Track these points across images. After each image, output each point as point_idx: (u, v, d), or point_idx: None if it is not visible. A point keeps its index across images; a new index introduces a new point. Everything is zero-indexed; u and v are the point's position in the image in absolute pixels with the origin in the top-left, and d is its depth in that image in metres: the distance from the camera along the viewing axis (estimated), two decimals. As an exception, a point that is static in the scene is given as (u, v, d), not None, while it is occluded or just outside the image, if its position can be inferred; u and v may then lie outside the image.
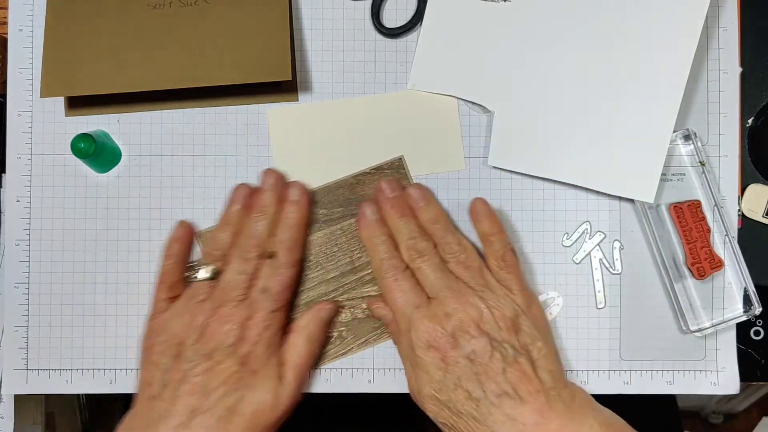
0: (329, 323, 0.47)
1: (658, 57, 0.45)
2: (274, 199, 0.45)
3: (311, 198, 0.47)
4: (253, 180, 0.48)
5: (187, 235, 0.47)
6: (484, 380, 0.40)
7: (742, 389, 0.49)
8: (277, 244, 0.45)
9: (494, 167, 0.48)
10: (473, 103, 0.48)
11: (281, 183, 0.46)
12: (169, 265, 0.46)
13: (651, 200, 0.46)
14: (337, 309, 0.47)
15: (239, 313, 0.43)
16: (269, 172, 0.46)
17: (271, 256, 0.44)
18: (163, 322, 0.44)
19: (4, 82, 0.49)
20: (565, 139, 0.46)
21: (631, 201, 0.48)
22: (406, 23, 0.48)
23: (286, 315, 0.46)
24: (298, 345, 0.45)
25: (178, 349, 0.42)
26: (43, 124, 0.48)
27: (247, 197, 0.46)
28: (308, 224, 0.47)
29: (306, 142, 0.48)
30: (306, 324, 0.46)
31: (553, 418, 0.40)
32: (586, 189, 0.48)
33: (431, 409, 0.43)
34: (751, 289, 0.47)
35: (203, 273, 0.44)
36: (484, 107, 0.48)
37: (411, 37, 0.49)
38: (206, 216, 0.48)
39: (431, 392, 0.42)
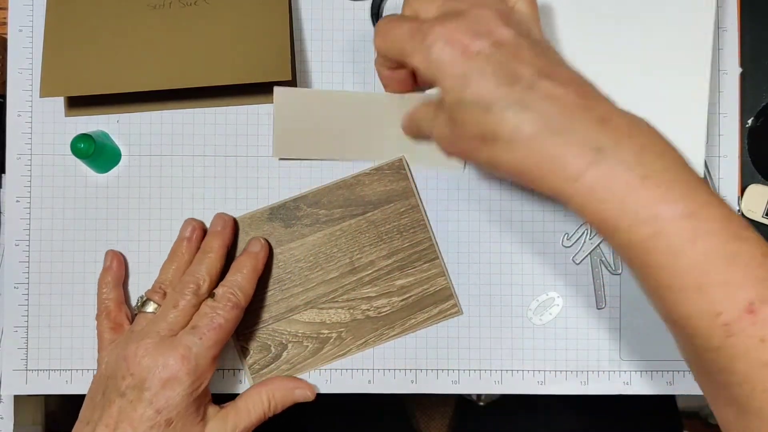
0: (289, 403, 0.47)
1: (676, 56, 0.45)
2: (220, 243, 0.46)
3: (268, 254, 0.47)
4: (253, 179, 0.48)
5: (117, 265, 0.47)
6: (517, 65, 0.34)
7: (742, 389, 0.49)
8: (221, 285, 0.44)
9: None
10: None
11: (229, 229, 0.47)
12: (105, 293, 0.46)
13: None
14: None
15: (158, 349, 0.41)
16: (219, 216, 0.47)
17: (212, 296, 0.44)
18: (104, 354, 0.44)
19: (4, 82, 0.49)
20: None
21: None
22: (406, 23, 0.48)
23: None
24: (245, 409, 0.45)
25: (106, 384, 0.42)
26: (43, 124, 0.48)
27: (195, 233, 0.46)
28: (259, 275, 0.46)
29: (310, 126, 0.47)
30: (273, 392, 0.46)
31: (600, 99, 0.35)
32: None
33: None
34: (751, 290, 0.47)
35: (148, 306, 0.44)
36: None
37: (411, 37, 0.49)
38: (206, 216, 0.48)
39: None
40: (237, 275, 0.45)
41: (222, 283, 0.44)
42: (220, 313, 0.43)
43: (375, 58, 0.42)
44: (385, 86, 0.44)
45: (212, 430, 0.43)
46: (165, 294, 0.44)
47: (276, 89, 0.45)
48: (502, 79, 0.34)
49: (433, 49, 0.35)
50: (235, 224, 0.48)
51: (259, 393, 0.45)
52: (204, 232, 0.47)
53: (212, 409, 0.44)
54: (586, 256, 0.48)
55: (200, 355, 0.41)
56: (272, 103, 0.48)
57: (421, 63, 0.36)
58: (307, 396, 0.46)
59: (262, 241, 0.47)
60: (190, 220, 0.47)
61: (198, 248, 0.46)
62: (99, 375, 0.43)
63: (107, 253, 0.47)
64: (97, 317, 0.46)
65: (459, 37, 0.34)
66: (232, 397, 0.47)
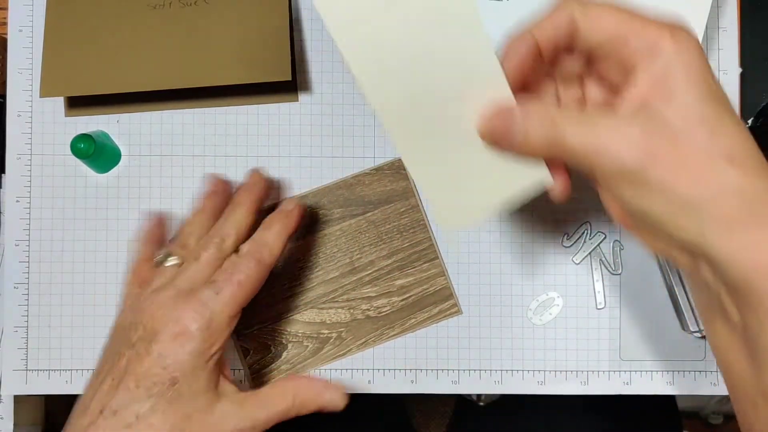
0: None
1: None
2: (252, 198, 0.43)
3: (304, 212, 0.44)
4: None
5: (155, 224, 0.45)
6: None
7: (742, 389, 0.49)
8: (247, 242, 0.41)
9: None
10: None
11: (263, 184, 0.44)
12: (136, 249, 0.43)
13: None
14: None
15: (174, 302, 0.38)
16: (255, 171, 0.45)
17: (237, 252, 0.41)
18: (123, 307, 0.41)
19: (4, 83, 0.49)
20: None
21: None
22: (406, 23, 0.48)
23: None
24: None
25: (120, 336, 0.39)
26: (43, 124, 0.48)
27: (222, 186, 0.44)
28: (291, 236, 0.43)
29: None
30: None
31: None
32: (587, 187, 0.48)
33: None
34: (751, 290, 0.47)
35: (169, 260, 0.41)
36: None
37: (411, 37, 0.49)
38: (206, 216, 0.48)
39: None
40: (266, 232, 0.41)
41: (249, 239, 0.41)
42: (242, 269, 0.39)
43: None
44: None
45: (225, 409, 0.38)
46: (187, 248, 0.42)
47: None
48: None
49: None
50: (270, 183, 0.45)
51: (284, 387, 0.40)
52: (230, 189, 0.45)
53: (229, 387, 0.39)
54: (586, 256, 0.48)
55: (215, 311, 0.37)
56: (272, 103, 0.48)
57: None
58: (336, 403, 0.41)
59: (297, 200, 0.44)
60: (216, 175, 0.45)
61: (225, 203, 0.43)
62: (115, 327, 0.40)
63: (151, 215, 0.45)
64: (127, 273, 0.43)
65: None
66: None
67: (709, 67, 0.29)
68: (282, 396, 0.40)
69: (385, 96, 0.32)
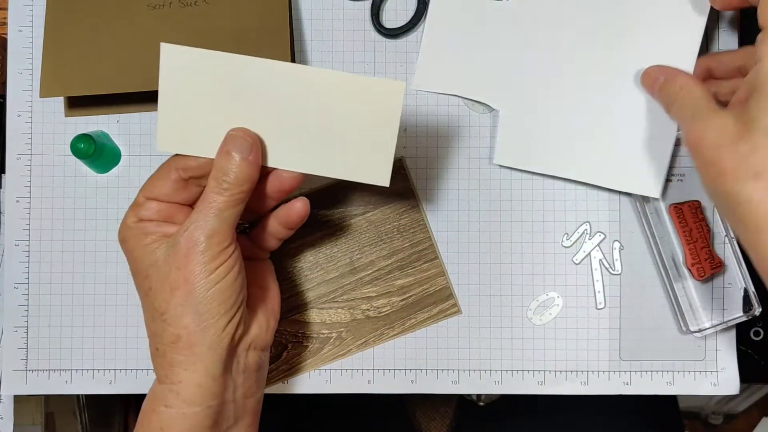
0: None
1: (661, 56, 0.45)
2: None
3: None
4: (253, 180, 0.48)
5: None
6: None
7: (742, 390, 0.49)
8: None
9: (500, 165, 0.48)
10: (477, 102, 0.48)
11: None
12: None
13: (657, 195, 0.46)
14: None
15: None
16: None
17: None
18: None
19: (4, 83, 0.49)
20: (570, 136, 0.46)
21: (632, 201, 0.48)
22: (406, 24, 0.48)
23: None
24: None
25: None
26: (43, 124, 0.48)
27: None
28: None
29: (206, 105, 0.36)
30: None
31: None
32: (587, 187, 0.48)
33: None
34: (751, 290, 0.47)
35: None
36: (486, 107, 0.48)
37: (411, 37, 0.49)
38: (206, 216, 0.48)
39: None
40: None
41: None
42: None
43: None
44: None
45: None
46: None
47: (163, 47, 0.35)
48: None
49: None
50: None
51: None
52: None
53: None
54: (586, 256, 0.48)
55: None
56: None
57: None
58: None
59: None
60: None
61: None
62: None
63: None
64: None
65: None
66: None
67: None
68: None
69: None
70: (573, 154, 0.46)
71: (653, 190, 0.46)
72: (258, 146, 0.38)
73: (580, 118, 0.46)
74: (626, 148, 0.46)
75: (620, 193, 0.48)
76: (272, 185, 0.39)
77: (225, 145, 0.37)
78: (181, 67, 0.35)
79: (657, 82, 0.42)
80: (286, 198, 0.41)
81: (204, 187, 0.38)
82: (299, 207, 0.41)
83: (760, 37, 0.35)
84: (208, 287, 0.36)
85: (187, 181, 0.39)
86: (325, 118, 0.37)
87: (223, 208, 0.37)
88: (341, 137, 0.37)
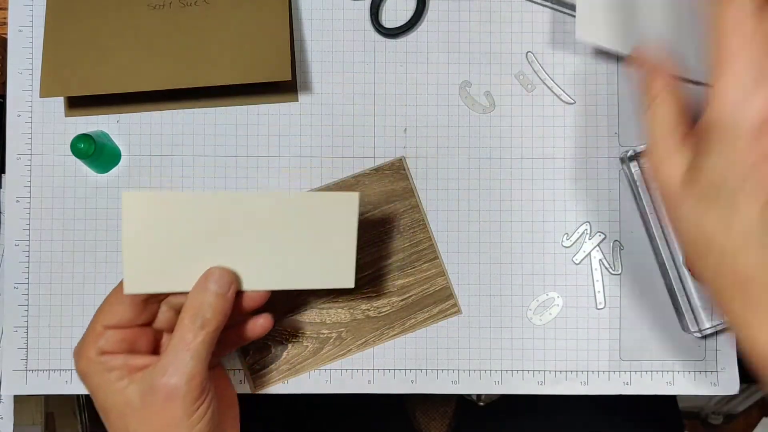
0: None
1: None
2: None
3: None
4: (253, 179, 0.48)
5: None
6: None
7: (742, 390, 0.49)
8: None
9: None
10: (477, 102, 0.48)
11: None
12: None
13: None
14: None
15: None
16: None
17: None
18: None
19: (4, 83, 0.49)
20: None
21: (632, 201, 0.48)
22: (405, 23, 0.48)
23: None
24: None
25: None
26: (43, 124, 0.48)
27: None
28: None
29: (169, 244, 0.37)
30: None
31: None
32: (587, 186, 0.48)
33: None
34: (751, 290, 0.47)
35: None
36: (485, 107, 0.48)
37: (410, 37, 0.49)
38: (206, 216, 0.48)
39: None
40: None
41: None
42: None
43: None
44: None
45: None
46: None
47: (124, 195, 0.35)
48: None
49: None
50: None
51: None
52: None
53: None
54: (586, 256, 0.48)
55: None
56: (272, 103, 0.48)
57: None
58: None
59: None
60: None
61: None
62: None
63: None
64: None
65: None
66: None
67: None
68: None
69: None
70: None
71: None
72: (236, 283, 0.38)
73: None
74: None
75: (620, 192, 0.48)
76: (240, 305, 0.39)
77: (204, 282, 0.37)
78: (142, 211, 0.36)
79: (641, 69, 0.39)
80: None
81: (164, 306, 0.38)
82: (263, 323, 0.42)
83: (712, 75, 0.34)
84: (190, 428, 0.36)
85: (146, 301, 0.38)
86: (288, 235, 0.38)
87: (199, 347, 0.36)
88: (305, 251, 0.39)
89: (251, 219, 0.37)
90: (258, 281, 0.39)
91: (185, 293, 0.38)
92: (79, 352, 0.38)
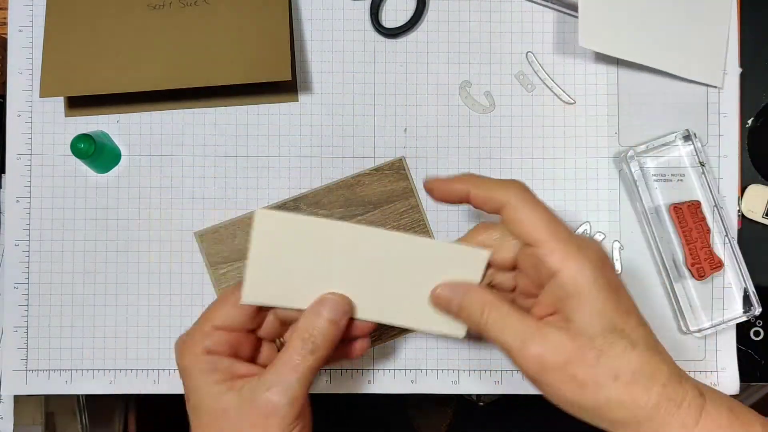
0: None
1: None
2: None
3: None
4: (253, 179, 0.48)
5: None
6: None
7: (742, 390, 0.49)
8: None
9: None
10: (477, 102, 0.48)
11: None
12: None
13: (719, 84, 0.48)
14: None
15: None
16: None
17: None
18: None
19: (4, 83, 0.49)
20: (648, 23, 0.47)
21: (632, 201, 0.48)
22: (405, 23, 0.48)
23: None
24: None
25: None
26: (43, 124, 0.48)
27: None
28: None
29: (295, 266, 0.38)
30: None
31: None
32: (587, 186, 0.48)
33: None
34: (751, 290, 0.47)
35: None
36: (485, 107, 0.48)
37: (410, 37, 0.49)
38: (206, 216, 0.48)
39: None
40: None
41: None
42: None
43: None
44: (430, 190, 0.39)
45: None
46: None
47: (258, 212, 0.36)
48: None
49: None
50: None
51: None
52: None
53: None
54: (586, 256, 0.48)
55: None
56: (272, 103, 0.48)
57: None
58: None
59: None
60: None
61: None
62: None
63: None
64: None
65: None
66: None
67: (609, 281, 0.35)
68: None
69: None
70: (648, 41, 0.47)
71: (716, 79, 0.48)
72: (349, 312, 0.38)
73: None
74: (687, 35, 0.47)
75: (620, 192, 0.48)
76: (348, 331, 0.39)
77: (318, 307, 0.37)
78: (271, 229, 0.36)
79: (453, 303, 0.38)
80: None
81: (271, 315, 0.38)
82: (361, 346, 0.41)
83: (539, 252, 0.35)
84: None
85: (259, 308, 0.38)
86: (408, 275, 0.38)
87: (306, 372, 0.36)
88: (422, 293, 0.38)
89: (375, 253, 0.37)
90: (370, 312, 0.39)
91: (298, 310, 0.38)
92: (184, 347, 0.37)
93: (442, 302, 0.38)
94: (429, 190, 0.39)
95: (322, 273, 0.38)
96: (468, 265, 0.38)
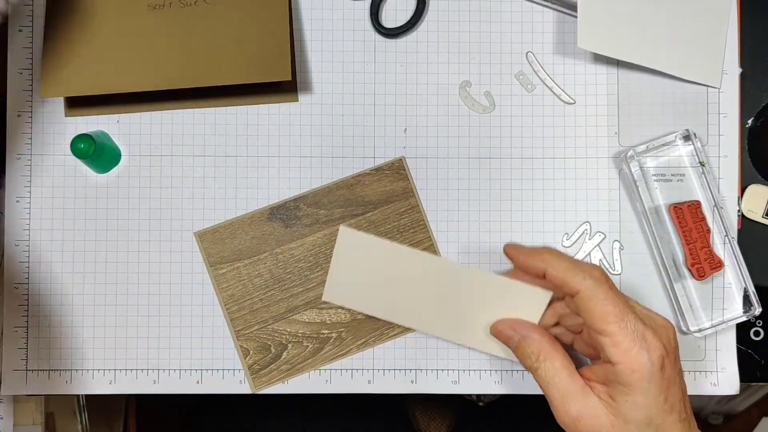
0: None
1: None
2: None
3: None
4: (253, 179, 0.48)
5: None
6: None
7: (742, 390, 0.49)
8: None
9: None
10: (477, 102, 0.48)
11: None
12: None
13: (717, 85, 0.48)
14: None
15: None
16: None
17: None
18: None
19: (4, 83, 0.49)
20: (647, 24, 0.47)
21: (632, 201, 0.48)
22: (405, 23, 0.48)
23: None
24: None
25: None
26: (43, 124, 0.48)
27: None
28: None
29: (368, 280, 0.44)
30: None
31: None
32: (587, 186, 0.48)
33: None
34: (751, 290, 0.47)
35: None
36: (485, 107, 0.48)
37: (410, 37, 0.49)
38: (206, 216, 0.48)
39: None
40: None
41: None
42: None
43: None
44: (510, 258, 0.42)
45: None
46: None
47: (341, 228, 0.42)
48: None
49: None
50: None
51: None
52: None
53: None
54: (586, 256, 0.48)
55: None
56: (272, 103, 0.48)
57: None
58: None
59: None
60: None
61: None
62: None
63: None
64: None
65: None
66: (233, 396, 0.47)
67: (665, 377, 0.37)
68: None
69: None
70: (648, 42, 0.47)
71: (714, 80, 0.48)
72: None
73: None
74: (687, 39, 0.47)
75: (620, 192, 0.48)
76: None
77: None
78: (351, 244, 0.42)
79: (512, 340, 0.41)
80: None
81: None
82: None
83: (603, 340, 0.37)
84: None
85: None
86: (470, 303, 0.43)
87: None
88: (481, 318, 0.43)
89: (441, 278, 0.42)
90: (432, 327, 0.44)
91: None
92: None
93: (501, 338, 0.42)
94: (509, 257, 0.42)
95: (391, 287, 0.43)
96: (529, 303, 0.41)
